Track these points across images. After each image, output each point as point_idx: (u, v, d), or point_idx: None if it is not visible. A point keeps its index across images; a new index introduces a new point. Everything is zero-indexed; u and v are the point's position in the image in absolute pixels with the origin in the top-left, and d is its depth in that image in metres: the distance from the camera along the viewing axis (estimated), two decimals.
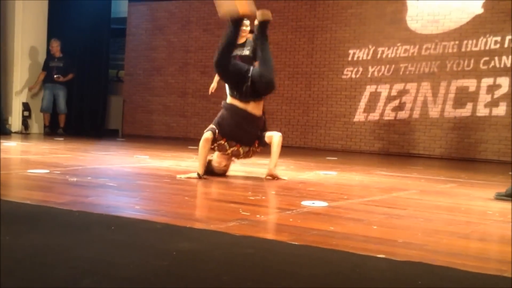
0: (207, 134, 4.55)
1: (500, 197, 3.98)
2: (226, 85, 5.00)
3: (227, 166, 4.77)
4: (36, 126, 10.87)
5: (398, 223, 2.99)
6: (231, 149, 4.64)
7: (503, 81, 8.53)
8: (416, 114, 9.18)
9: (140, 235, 2.33)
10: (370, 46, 9.52)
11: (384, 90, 9.42)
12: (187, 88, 11.24)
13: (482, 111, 8.68)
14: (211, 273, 1.80)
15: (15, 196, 3.27)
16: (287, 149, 7.61)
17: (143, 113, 11.65)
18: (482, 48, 8.69)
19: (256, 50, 5.62)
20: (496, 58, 8.59)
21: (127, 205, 3.22)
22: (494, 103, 8.60)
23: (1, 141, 7.67)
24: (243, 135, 4.65)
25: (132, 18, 11.86)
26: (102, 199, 3.42)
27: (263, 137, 4.75)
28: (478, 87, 8.72)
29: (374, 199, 3.86)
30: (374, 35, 9.49)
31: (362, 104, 9.59)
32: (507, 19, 8.40)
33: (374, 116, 9.49)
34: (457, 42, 8.88)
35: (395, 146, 9.33)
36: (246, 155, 4.78)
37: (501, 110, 8.53)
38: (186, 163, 5.83)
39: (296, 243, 2.28)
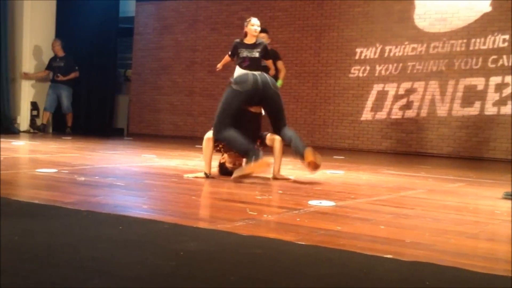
0: (208, 134, 4.60)
1: (508, 196, 3.96)
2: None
3: (240, 164, 4.78)
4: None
5: (406, 223, 2.98)
6: None
7: None
8: (424, 112, 9.15)
9: (147, 235, 2.34)
10: (377, 45, 9.50)
11: (391, 88, 9.39)
12: (194, 87, 11.25)
13: (490, 110, 8.64)
14: (218, 273, 1.81)
15: (23, 196, 3.28)
16: None
17: (150, 112, 11.68)
18: (490, 46, 8.65)
19: (265, 52, 5.61)
20: (505, 56, 8.54)
21: (135, 205, 3.23)
22: (502, 102, 8.55)
23: (10, 140, 7.71)
24: (244, 133, 4.65)
25: (140, 18, 11.88)
26: (110, 199, 3.43)
27: (265, 137, 4.78)
28: (486, 85, 8.68)
29: (381, 198, 3.85)
30: (382, 34, 9.46)
31: (370, 103, 9.57)
32: None
33: (382, 115, 9.46)
34: (465, 41, 8.84)
35: (402, 145, 9.30)
36: None
37: (509, 108, 8.48)
38: (194, 162, 5.84)
39: (303, 243, 2.27)
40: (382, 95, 9.46)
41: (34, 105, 10.74)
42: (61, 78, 10.45)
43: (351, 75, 9.72)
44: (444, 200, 3.91)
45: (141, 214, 2.79)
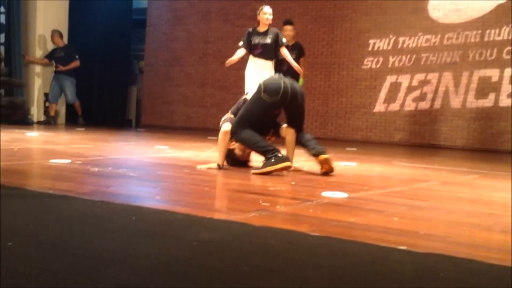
0: (226, 126, 4.54)
1: None
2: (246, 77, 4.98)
3: (250, 153, 4.77)
4: (59, 116, 11.01)
5: (420, 215, 2.96)
6: None
7: None
8: (437, 104, 9.08)
9: (161, 225, 2.34)
10: (390, 36, 9.43)
11: (405, 80, 9.33)
12: (207, 78, 11.26)
13: (505, 102, 8.56)
14: (231, 263, 1.81)
15: (38, 186, 3.31)
16: None
17: (163, 103, 11.70)
18: (505, 37, 8.56)
19: (278, 39, 5.58)
20: None
21: (148, 195, 3.24)
22: None
23: (24, 131, 7.77)
24: (259, 121, 4.62)
25: (153, 9, 11.89)
26: (123, 189, 3.44)
27: (279, 128, 4.74)
28: (501, 77, 8.59)
29: (394, 190, 3.83)
30: (395, 25, 9.40)
31: (383, 94, 9.52)
32: None
33: (395, 106, 9.41)
34: (479, 32, 8.75)
35: (416, 137, 9.25)
36: None
37: None
38: (206, 154, 5.84)
39: (316, 234, 2.27)
40: (395, 87, 9.41)
41: (47, 96, 10.80)
42: (60, 68, 10.44)
43: (364, 67, 9.67)
44: (458, 192, 3.89)
45: (154, 205, 2.80)
